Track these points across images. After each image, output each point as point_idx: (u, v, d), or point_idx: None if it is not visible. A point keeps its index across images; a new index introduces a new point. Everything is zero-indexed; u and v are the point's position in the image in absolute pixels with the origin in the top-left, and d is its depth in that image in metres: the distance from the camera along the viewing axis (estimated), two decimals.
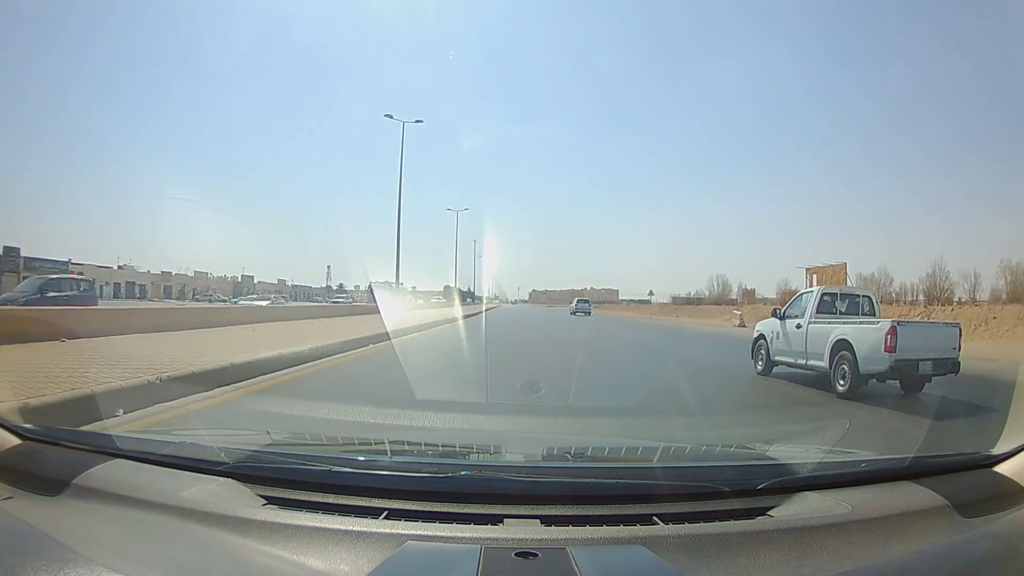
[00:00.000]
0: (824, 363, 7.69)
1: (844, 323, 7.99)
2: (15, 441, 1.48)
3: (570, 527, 1.20)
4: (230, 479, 1.35)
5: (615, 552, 1.12)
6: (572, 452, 2.03)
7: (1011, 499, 1.38)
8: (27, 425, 1.60)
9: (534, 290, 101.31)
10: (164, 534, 1.15)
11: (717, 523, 1.21)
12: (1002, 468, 1.47)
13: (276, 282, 71.80)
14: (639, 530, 1.18)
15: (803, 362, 8.31)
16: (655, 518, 1.23)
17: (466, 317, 22.25)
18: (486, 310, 33.08)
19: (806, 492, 1.37)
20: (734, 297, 54.94)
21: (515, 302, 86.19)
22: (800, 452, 1.95)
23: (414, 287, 49.46)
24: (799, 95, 66.80)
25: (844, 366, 7.31)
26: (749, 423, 5.22)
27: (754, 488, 1.35)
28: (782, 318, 8.94)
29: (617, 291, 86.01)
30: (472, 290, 57.20)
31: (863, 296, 9.36)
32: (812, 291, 9.29)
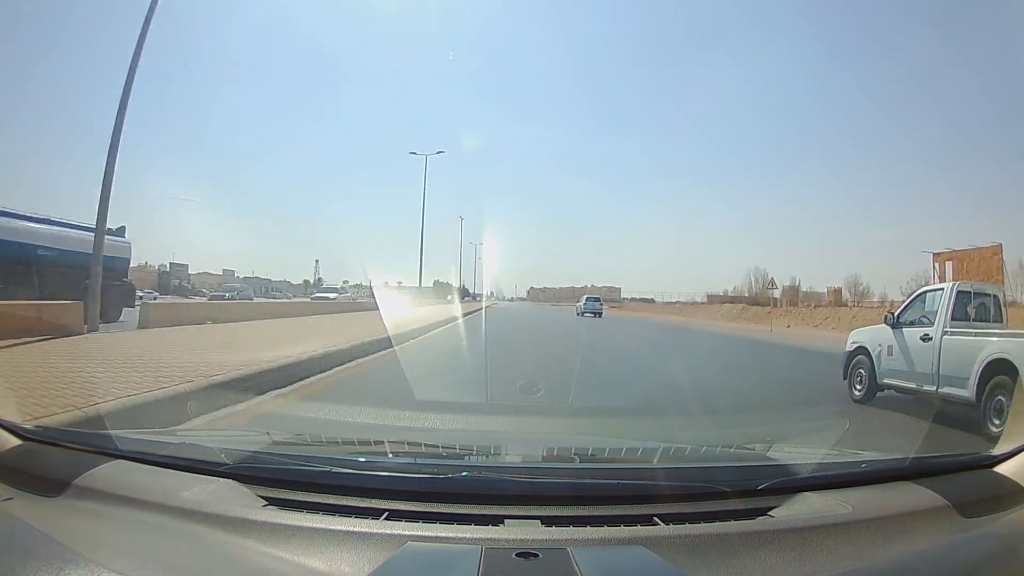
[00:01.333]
0: (967, 392, 5.51)
1: (1000, 335, 5.67)
2: (15, 442, 1.48)
3: (571, 527, 1.20)
4: (230, 480, 1.35)
5: (616, 552, 1.12)
6: (572, 452, 2.03)
7: (1011, 499, 1.38)
8: (27, 426, 1.60)
9: (532, 287, 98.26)
10: (164, 535, 1.15)
11: (718, 523, 1.21)
12: (1002, 468, 1.48)
13: (221, 272, 60.91)
14: (640, 530, 1.18)
15: (931, 388, 6.05)
16: (656, 518, 1.23)
17: (406, 337, 12.04)
18: (468, 312, 23.91)
19: (806, 492, 1.37)
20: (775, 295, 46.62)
21: (511, 299, 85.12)
22: (800, 452, 1.95)
23: (400, 282, 42.80)
24: (810, 85, 66.41)
25: (1001, 398, 5.11)
26: (749, 423, 5.20)
27: (755, 488, 1.35)
28: (896, 325, 6.74)
29: (619, 289, 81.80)
30: (463, 285, 51.50)
31: (991, 295, 6.95)
32: (941, 288, 6.75)
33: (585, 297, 38.13)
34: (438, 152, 38.11)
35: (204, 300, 30.72)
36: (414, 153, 36.94)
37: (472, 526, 1.18)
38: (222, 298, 32.45)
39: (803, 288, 48.57)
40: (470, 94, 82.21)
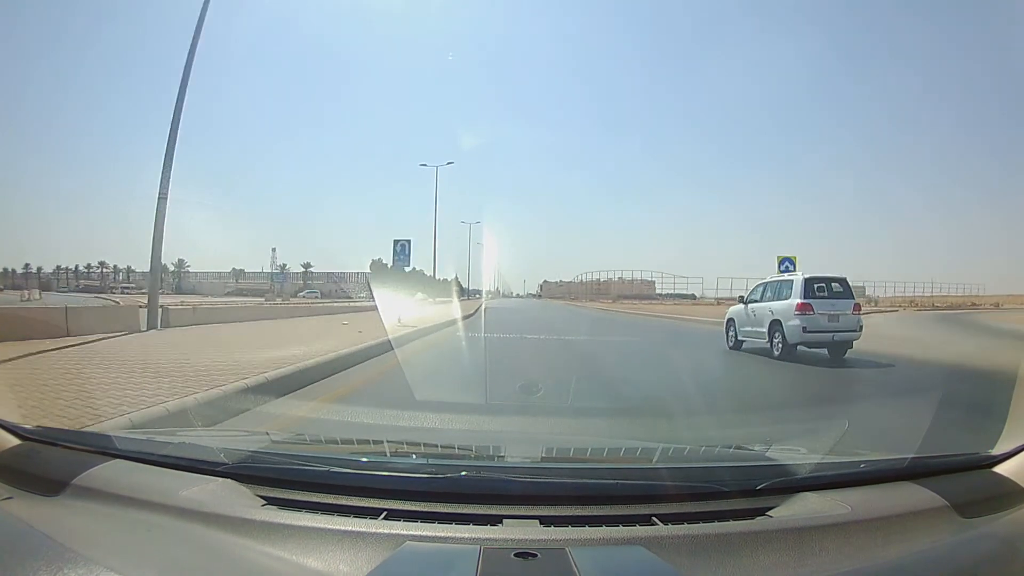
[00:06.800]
0: None
1: None
2: (15, 441, 1.48)
3: (569, 527, 1.20)
4: (229, 479, 1.35)
5: (614, 553, 1.12)
6: (571, 452, 2.03)
7: (1011, 499, 1.38)
8: (27, 426, 1.60)
9: (545, 281, 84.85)
10: (164, 534, 1.15)
11: (717, 523, 1.21)
12: (1002, 468, 1.47)
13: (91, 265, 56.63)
14: (638, 530, 1.18)
15: None
16: (654, 518, 1.23)
17: None
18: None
19: (806, 492, 1.37)
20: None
21: (518, 295, 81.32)
22: (800, 452, 1.94)
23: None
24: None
25: None
26: (749, 423, 5.19)
27: (754, 488, 1.35)
28: None
29: (654, 283, 68.21)
30: (456, 279, 45.08)
31: None
32: None
33: (804, 278, 10.09)
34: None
35: None
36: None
37: (471, 526, 1.18)
38: None
39: None
40: (472, 91, 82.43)
